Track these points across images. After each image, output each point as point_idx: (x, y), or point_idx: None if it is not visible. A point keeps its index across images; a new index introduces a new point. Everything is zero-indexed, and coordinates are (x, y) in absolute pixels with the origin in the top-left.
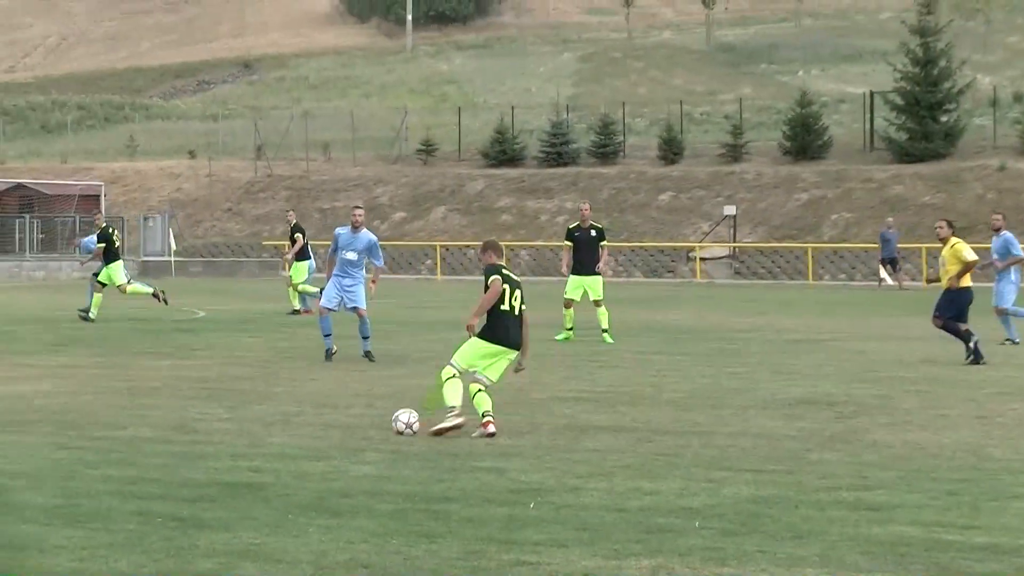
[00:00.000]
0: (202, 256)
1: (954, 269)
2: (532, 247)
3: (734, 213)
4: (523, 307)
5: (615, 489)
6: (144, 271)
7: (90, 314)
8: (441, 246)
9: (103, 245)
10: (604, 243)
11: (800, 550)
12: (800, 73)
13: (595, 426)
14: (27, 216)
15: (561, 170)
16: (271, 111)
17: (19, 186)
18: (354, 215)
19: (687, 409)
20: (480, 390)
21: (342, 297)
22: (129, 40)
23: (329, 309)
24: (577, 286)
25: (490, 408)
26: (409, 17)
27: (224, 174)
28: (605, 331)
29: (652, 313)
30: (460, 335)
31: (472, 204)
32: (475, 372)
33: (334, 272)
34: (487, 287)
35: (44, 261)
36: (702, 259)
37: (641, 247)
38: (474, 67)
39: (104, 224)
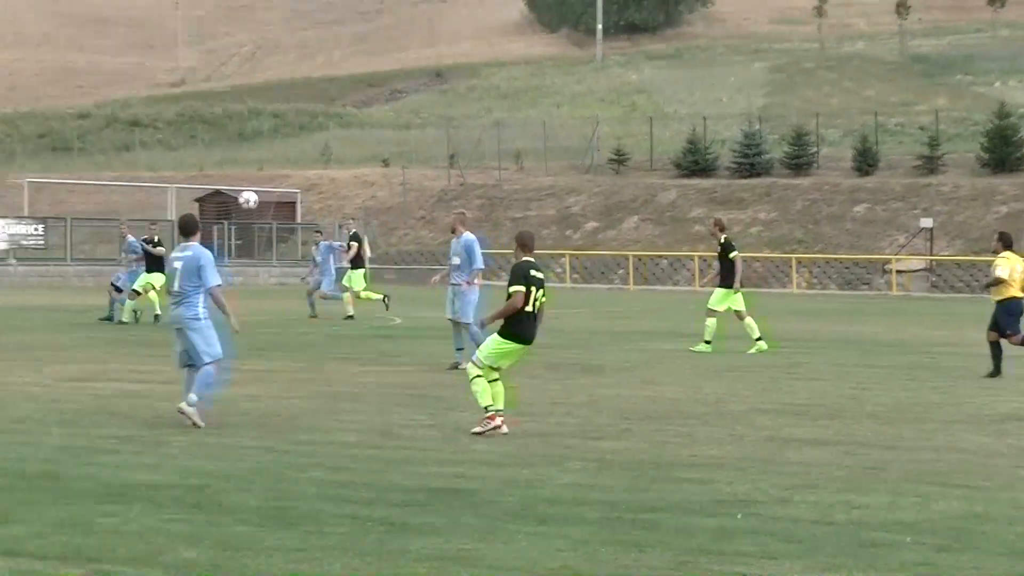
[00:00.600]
0: (396, 264)
1: None
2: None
3: (931, 226)
4: (543, 300)
5: (823, 502)
6: (339, 278)
7: (135, 316)
8: (634, 256)
9: (160, 249)
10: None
11: (1019, 567)
12: (997, 84)
13: (798, 439)
14: (224, 223)
15: (754, 181)
16: (463, 120)
17: (217, 192)
18: (454, 220)
19: (890, 423)
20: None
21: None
22: (323, 49)
23: (448, 318)
24: (724, 298)
25: (499, 407)
26: (599, 27)
27: (417, 182)
28: (759, 339)
29: (848, 325)
30: (653, 346)
31: (664, 214)
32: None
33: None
34: (509, 294)
35: (241, 267)
36: (898, 271)
37: (836, 259)
38: (664, 77)
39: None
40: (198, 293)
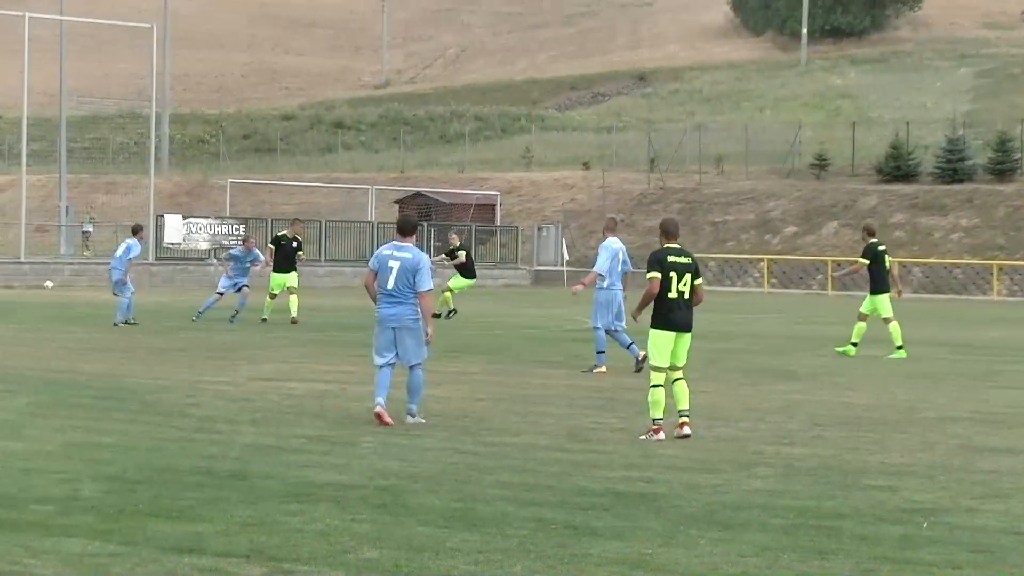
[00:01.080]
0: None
1: None
2: (925, 264)
3: None
4: (696, 284)
5: (1012, 511)
6: (537, 280)
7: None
8: (832, 261)
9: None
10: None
11: None
12: None
13: (991, 447)
14: (425, 224)
15: (956, 187)
16: (664, 123)
17: (418, 194)
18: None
19: None
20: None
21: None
22: (526, 52)
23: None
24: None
25: (683, 409)
26: (804, 31)
27: (617, 186)
28: (899, 348)
29: None
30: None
31: (864, 219)
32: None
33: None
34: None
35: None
36: None
37: None
38: (868, 81)
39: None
40: (414, 294)
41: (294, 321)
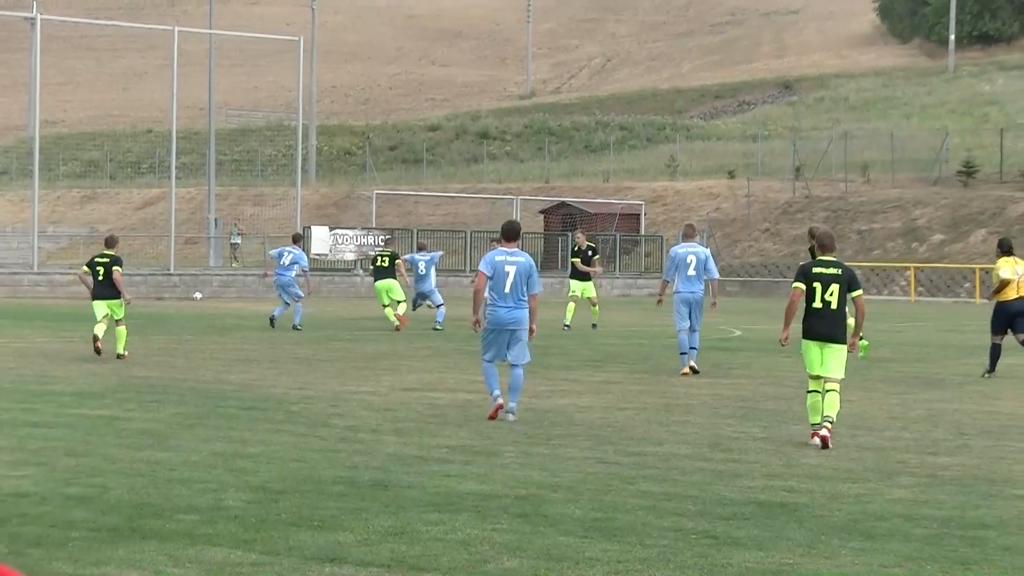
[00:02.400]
0: (739, 276)
1: None
2: None
3: None
4: (854, 295)
5: None
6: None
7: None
8: (980, 269)
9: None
10: None
11: None
12: None
13: None
14: (569, 234)
15: None
16: (810, 131)
17: (562, 204)
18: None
19: None
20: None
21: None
22: (671, 61)
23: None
24: None
25: (826, 415)
26: (952, 37)
27: (762, 194)
28: None
29: None
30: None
31: (1014, 227)
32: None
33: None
34: None
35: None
36: None
37: None
38: (1017, 87)
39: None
40: (526, 297)
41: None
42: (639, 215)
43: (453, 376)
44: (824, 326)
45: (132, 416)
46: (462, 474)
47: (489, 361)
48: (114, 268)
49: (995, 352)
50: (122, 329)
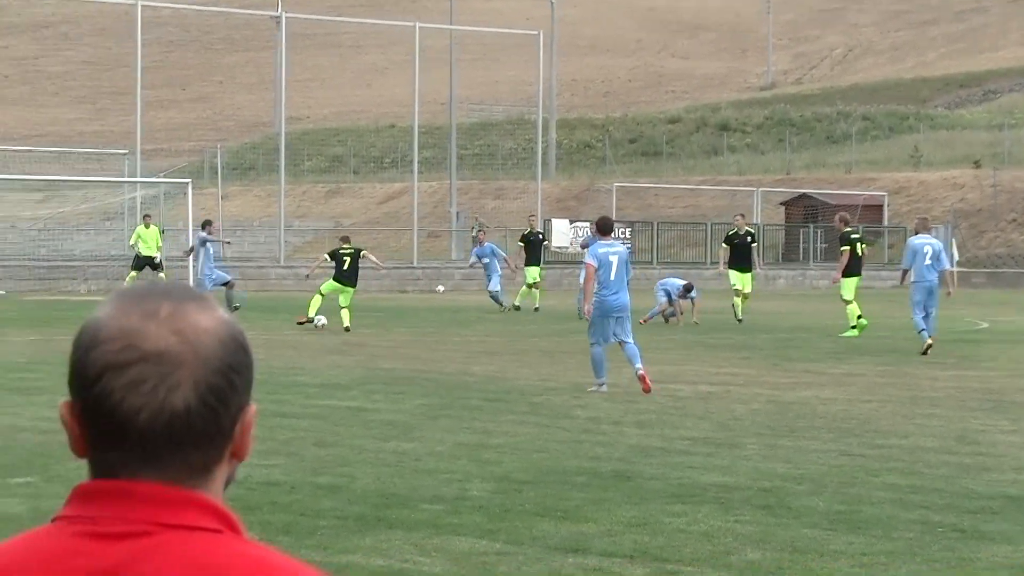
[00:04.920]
0: (985, 267)
1: None
2: None
3: None
4: None
5: None
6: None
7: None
8: None
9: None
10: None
11: None
12: None
13: None
14: (811, 226)
15: None
16: None
17: (804, 196)
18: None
19: None
20: None
21: None
22: (915, 50)
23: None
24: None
25: None
26: None
27: (1009, 184)
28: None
29: None
30: None
31: None
32: None
33: None
34: None
35: (827, 270)
36: None
37: None
38: None
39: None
40: (627, 283)
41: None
42: (882, 206)
43: (694, 368)
44: None
45: (378, 407)
46: (705, 466)
47: (600, 346)
48: (363, 253)
49: None
50: (347, 312)
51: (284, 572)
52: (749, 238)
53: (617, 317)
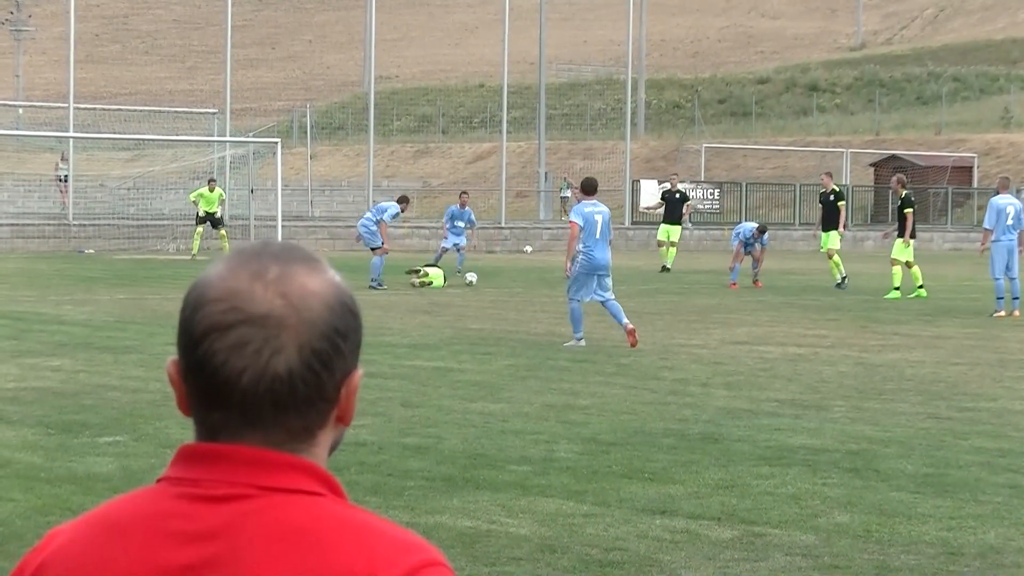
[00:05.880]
0: None
1: None
2: None
3: None
4: None
5: None
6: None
7: None
8: None
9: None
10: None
11: None
12: None
13: None
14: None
15: None
16: None
17: (892, 157)
18: None
19: None
20: None
21: None
22: (1007, 10)
23: None
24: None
25: None
26: None
27: None
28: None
29: None
30: None
31: None
32: None
33: None
34: None
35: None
36: None
37: None
38: None
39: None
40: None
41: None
42: (971, 168)
43: (783, 330)
44: None
45: (465, 368)
46: (792, 428)
47: (579, 303)
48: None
49: None
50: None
51: (383, 537)
52: (833, 197)
53: (599, 275)
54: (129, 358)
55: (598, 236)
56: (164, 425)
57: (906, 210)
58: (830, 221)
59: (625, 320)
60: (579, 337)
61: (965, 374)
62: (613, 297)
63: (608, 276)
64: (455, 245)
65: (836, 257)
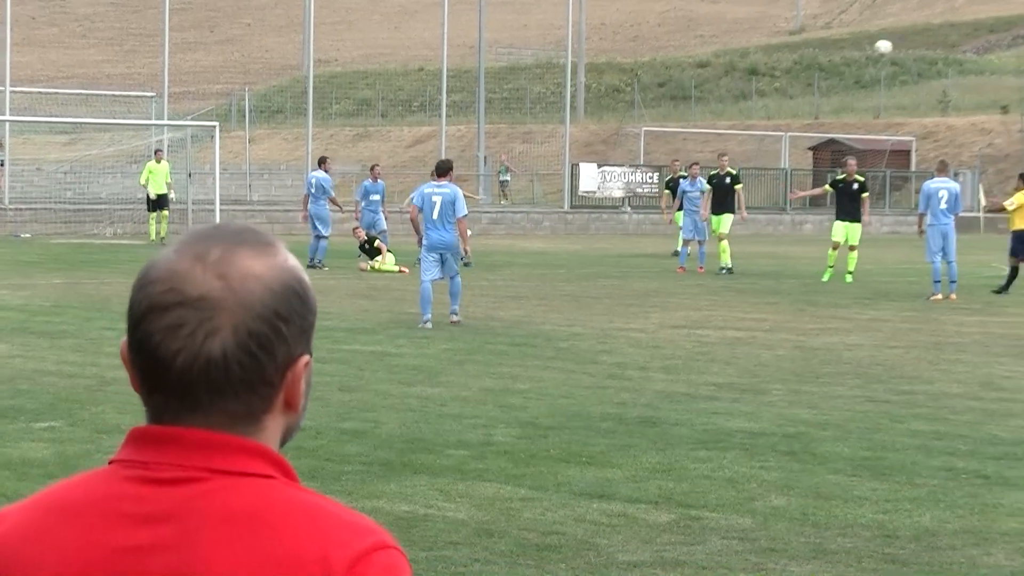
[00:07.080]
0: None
1: None
2: None
3: None
4: None
5: None
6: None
7: None
8: None
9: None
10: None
11: None
12: None
13: None
14: (839, 171)
15: None
16: None
17: (831, 141)
18: None
19: None
20: None
21: None
22: None
23: None
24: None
25: None
26: None
27: None
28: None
29: None
30: None
31: None
32: None
33: None
34: None
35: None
36: None
37: None
38: None
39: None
40: (452, 222)
41: None
42: (909, 151)
43: (721, 313)
44: None
45: (403, 352)
46: (730, 411)
47: (427, 283)
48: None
49: None
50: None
51: (335, 520)
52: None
53: (441, 254)
54: (65, 343)
55: (435, 217)
56: (100, 410)
57: (864, 194)
58: (724, 204)
59: (455, 307)
60: (426, 319)
61: (902, 357)
62: (457, 276)
63: (452, 256)
64: (381, 232)
65: (724, 243)
